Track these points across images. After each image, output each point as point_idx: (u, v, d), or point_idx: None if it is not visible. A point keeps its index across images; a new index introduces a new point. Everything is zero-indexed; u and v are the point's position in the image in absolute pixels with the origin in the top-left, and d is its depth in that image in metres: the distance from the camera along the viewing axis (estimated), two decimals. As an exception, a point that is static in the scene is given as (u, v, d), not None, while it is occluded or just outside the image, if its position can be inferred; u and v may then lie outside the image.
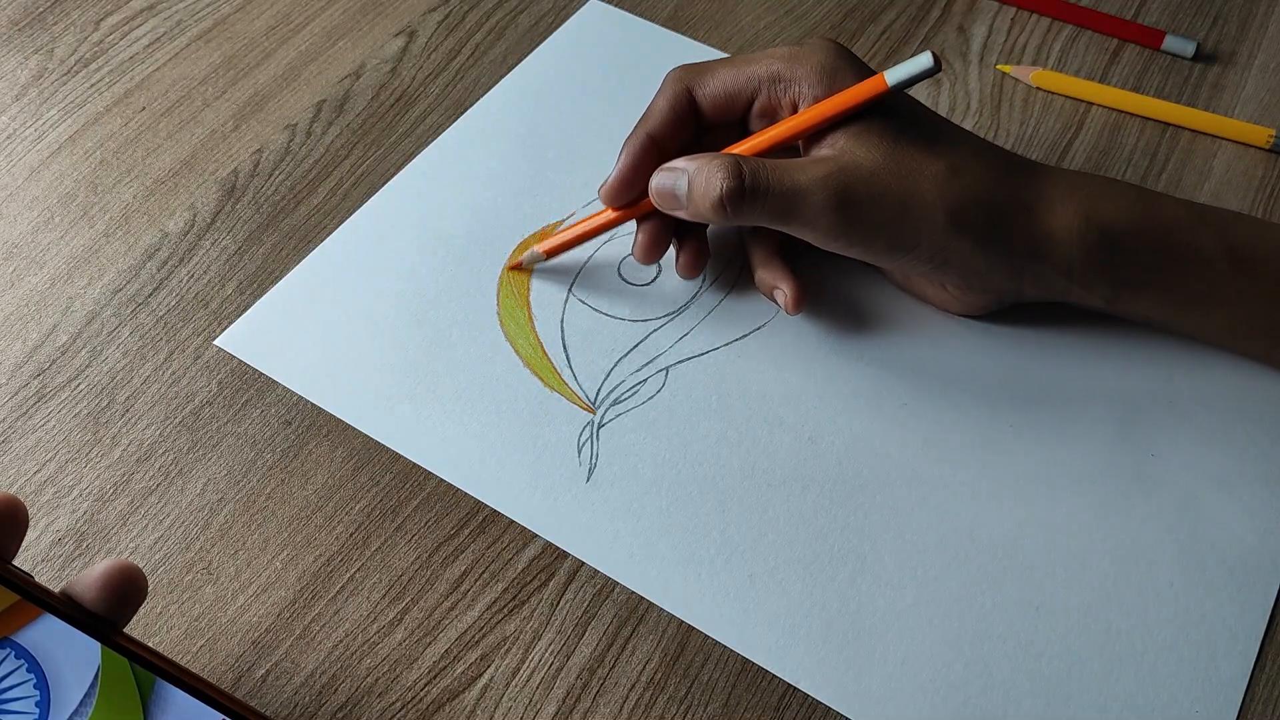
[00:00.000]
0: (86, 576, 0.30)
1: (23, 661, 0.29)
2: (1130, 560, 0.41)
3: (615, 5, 0.59)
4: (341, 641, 0.38)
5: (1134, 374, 0.45)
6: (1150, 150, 0.54)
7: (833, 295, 0.47)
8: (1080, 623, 0.39)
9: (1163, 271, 0.42)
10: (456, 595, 0.39)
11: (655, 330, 0.46)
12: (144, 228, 0.49)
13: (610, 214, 0.45)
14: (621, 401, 0.44)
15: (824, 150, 0.41)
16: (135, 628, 0.38)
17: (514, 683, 0.38)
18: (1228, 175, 0.53)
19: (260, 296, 0.47)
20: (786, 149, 0.43)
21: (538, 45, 0.57)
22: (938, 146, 0.41)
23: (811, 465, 0.43)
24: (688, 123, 0.44)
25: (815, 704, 0.37)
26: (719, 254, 0.48)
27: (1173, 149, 0.54)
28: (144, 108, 0.54)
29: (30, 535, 0.40)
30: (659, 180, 0.42)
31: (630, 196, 0.44)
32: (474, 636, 0.39)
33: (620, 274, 0.48)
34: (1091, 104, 0.55)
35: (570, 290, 0.47)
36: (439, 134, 0.53)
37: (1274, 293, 0.42)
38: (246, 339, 0.45)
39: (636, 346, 0.46)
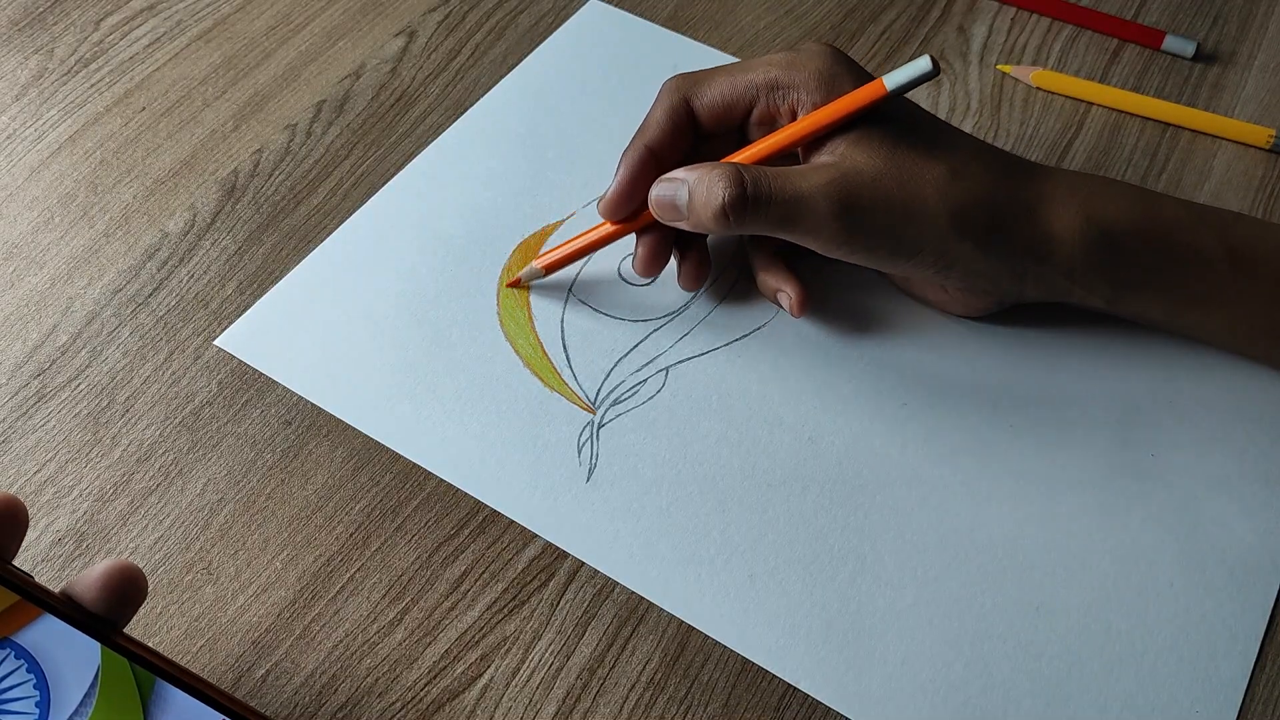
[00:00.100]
0: (86, 576, 0.30)
1: (23, 661, 0.29)
2: (1130, 560, 0.41)
3: (615, 5, 0.59)
4: (341, 641, 0.38)
5: (1134, 374, 0.45)
6: (1150, 150, 0.54)
7: (833, 296, 0.47)
8: (1080, 623, 0.39)
9: (1163, 272, 0.42)
10: (456, 595, 0.39)
11: (655, 330, 0.46)
12: (144, 228, 0.49)
13: (609, 228, 0.45)
14: (621, 401, 0.44)
15: (824, 157, 0.41)
16: (135, 628, 0.38)
17: (514, 683, 0.38)
18: (1228, 175, 0.53)
19: (260, 296, 0.47)
20: (786, 156, 0.43)
21: (538, 45, 0.57)
22: (938, 150, 0.41)
23: (811, 465, 0.43)
24: (686, 133, 0.44)
25: (815, 704, 0.37)
26: (719, 254, 0.48)
27: (1173, 149, 0.54)
28: (144, 108, 0.54)
29: (30, 535, 0.40)
30: (659, 191, 0.42)
31: (629, 210, 0.44)
32: (474, 636, 0.39)
33: (620, 274, 0.48)
34: (1091, 104, 0.55)
35: (570, 290, 0.47)
36: (439, 134, 0.53)
37: (1274, 293, 0.42)
38: (246, 339, 0.45)
39: (636, 346, 0.46)
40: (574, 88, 0.55)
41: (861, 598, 0.39)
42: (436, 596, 0.39)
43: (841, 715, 0.37)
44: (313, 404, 0.44)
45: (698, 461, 0.42)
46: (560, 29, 0.58)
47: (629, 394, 0.44)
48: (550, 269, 0.47)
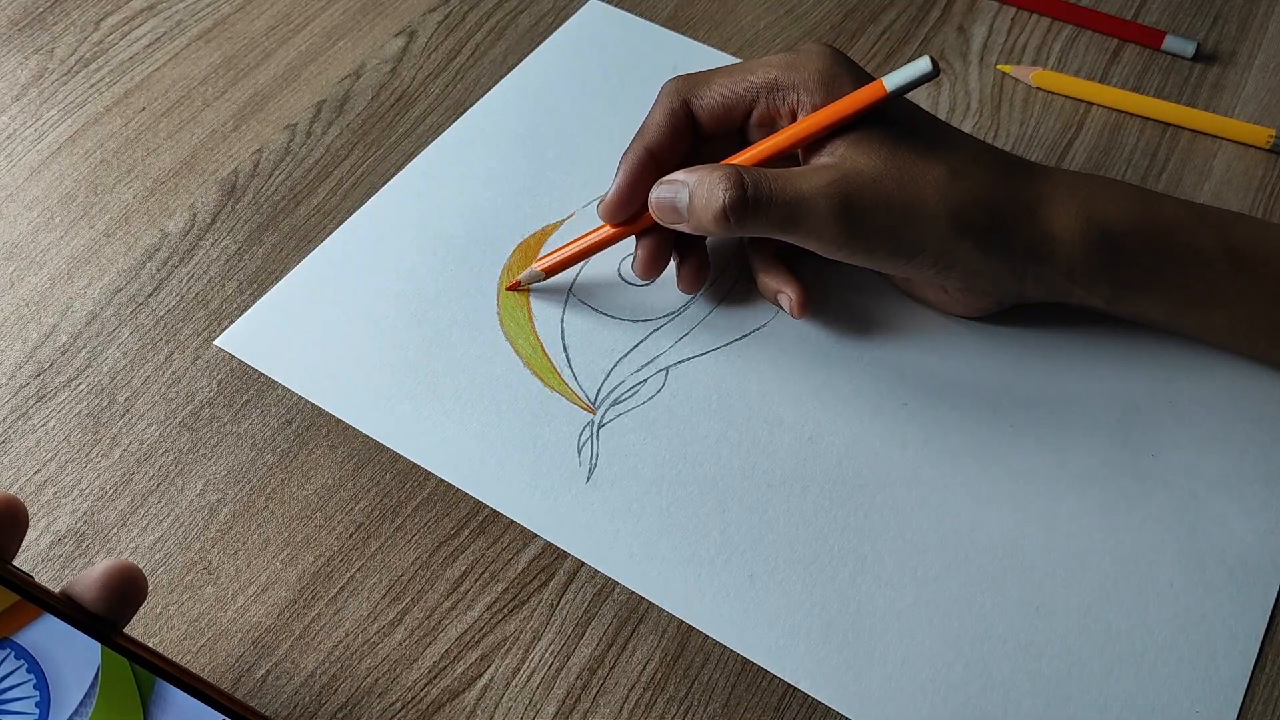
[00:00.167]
0: (86, 576, 0.30)
1: (23, 662, 0.29)
2: (1130, 560, 0.41)
3: (615, 5, 0.59)
4: (341, 641, 0.38)
5: (1134, 374, 0.45)
6: (1150, 150, 0.54)
7: (833, 296, 0.47)
8: (1080, 623, 0.39)
9: (1163, 272, 0.42)
10: (456, 595, 0.39)
11: (655, 330, 0.46)
12: (144, 228, 0.49)
13: (609, 230, 0.45)
14: (621, 401, 0.44)
15: (824, 158, 0.41)
16: (135, 628, 0.38)
17: (514, 683, 0.38)
18: (1228, 175, 0.53)
19: (260, 296, 0.47)
20: (786, 158, 0.43)
21: (538, 45, 0.57)
22: (937, 150, 0.41)
23: (811, 465, 0.43)
24: (685, 135, 0.44)
25: (815, 704, 0.37)
26: (719, 255, 0.48)
27: (1173, 149, 0.54)
28: (144, 108, 0.54)
29: (30, 535, 0.40)
30: (659, 194, 0.42)
31: (629, 212, 0.44)
32: (474, 636, 0.39)
33: (620, 274, 0.48)
34: (1091, 104, 0.55)
35: (570, 291, 0.47)
36: (439, 134, 0.53)
37: (1274, 293, 0.42)
38: (246, 339, 0.45)
39: (636, 346, 0.46)
40: (574, 88, 0.55)
41: (861, 598, 0.39)
42: (436, 596, 0.39)
43: (841, 715, 0.37)
44: (313, 404, 0.44)
45: (698, 461, 0.42)
46: (560, 29, 0.58)
47: (629, 394, 0.44)
48: (550, 272, 0.47)
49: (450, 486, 0.42)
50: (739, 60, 0.54)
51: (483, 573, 0.40)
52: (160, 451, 0.42)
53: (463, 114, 0.54)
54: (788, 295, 0.44)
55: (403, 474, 0.42)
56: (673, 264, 0.46)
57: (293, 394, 0.44)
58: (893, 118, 0.41)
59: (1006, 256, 0.41)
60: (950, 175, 0.40)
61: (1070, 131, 0.54)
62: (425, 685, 0.38)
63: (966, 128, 0.54)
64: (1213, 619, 0.39)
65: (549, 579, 0.40)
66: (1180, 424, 0.44)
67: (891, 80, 0.40)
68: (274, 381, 0.44)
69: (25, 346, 0.45)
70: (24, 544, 0.34)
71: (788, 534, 0.41)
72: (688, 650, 0.39)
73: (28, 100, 0.54)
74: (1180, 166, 0.53)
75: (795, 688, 0.38)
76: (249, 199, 0.50)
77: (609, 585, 0.40)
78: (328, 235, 0.49)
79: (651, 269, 0.45)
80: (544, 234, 0.49)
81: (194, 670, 0.34)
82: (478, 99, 0.54)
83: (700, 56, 0.56)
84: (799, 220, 0.40)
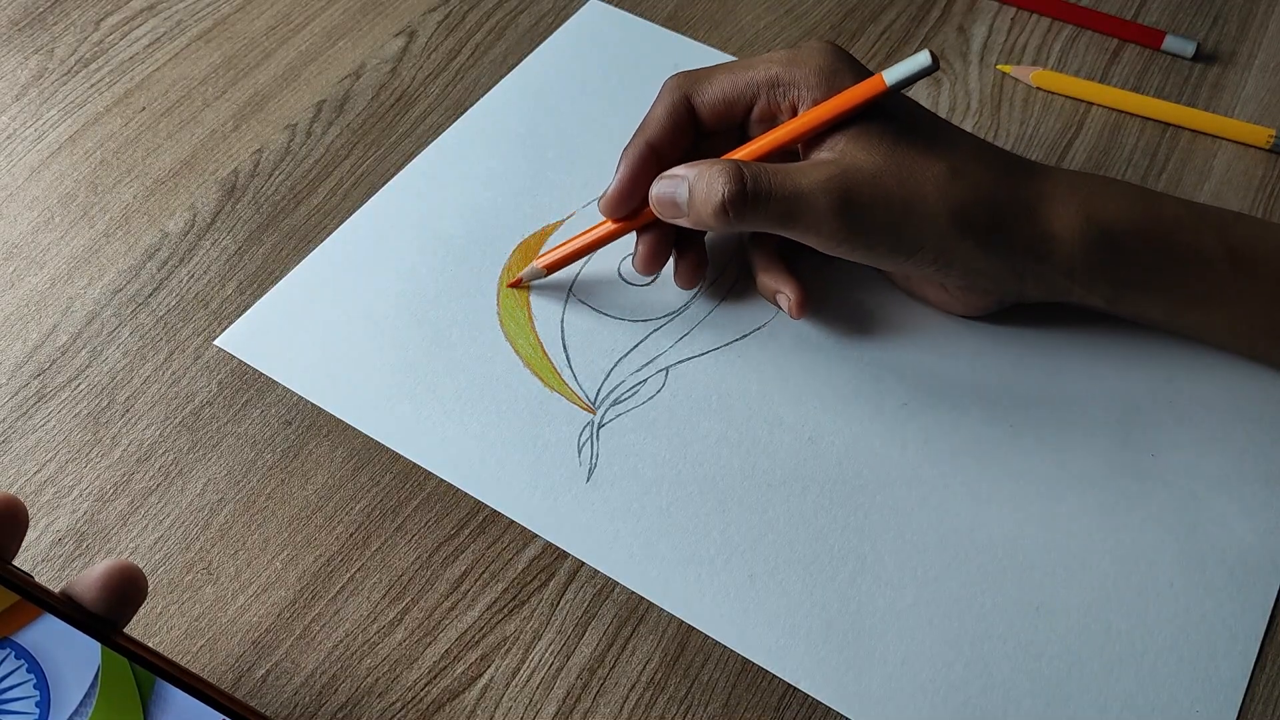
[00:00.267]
0: (86, 576, 0.30)
1: (23, 661, 0.29)
2: (1130, 560, 0.41)
3: (615, 5, 0.59)
4: (341, 641, 0.38)
5: (1134, 374, 0.45)
6: (1150, 150, 0.54)
7: (833, 296, 0.47)
8: (1080, 623, 0.39)
9: (1163, 272, 0.42)
10: (456, 595, 0.39)
11: (655, 330, 0.46)
12: (144, 228, 0.49)
13: (610, 226, 0.45)
14: (621, 401, 0.44)
15: (824, 154, 0.41)
16: (135, 628, 0.38)
17: (514, 683, 0.38)
18: (1228, 175, 0.53)
19: (260, 296, 0.47)
20: (786, 153, 0.43)
21: (538, 45, 0.57)
22: (938, 148, 0.41)
23: (811, 465, 0.43)
24: (686, 130, 0.44)
25: (815, 704, 0.37)
26: (719, 255, 0.48)
27: (1173, 149, 0.54)
28: (144, 108, 0.54)
29: (30, 535, 0.40)
30: (659, 189, 0.42)
31: (630, 207, 0.44)
32: (474, 636, 0.39)
33: (620, 274, 0.48)
34: (1091, 104, 0.55)
35: (570, 290, 0.47)
36: (439, 134, 0.53)
37: (1274, 293, 0.42)
38: (246, 339, 0.45)
39: (636, 346, 0.46)
40: (574, 88, 0.55)
41: (861, 598, 0.39)
42: (436, 596, 0.39)
43: (841, 715, 0.37)
44: (313, 404, 0.44)
45: (698, 461, 0.42)
46: (560, 29, 0.58)
47: (629, 394, 0.44)
48: (551, 268, 0.47)
49: (450, 486, 0.42)
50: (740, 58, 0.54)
51: (483, 573, 0.40)
52: (160, 451, 0.42)
53: (463, 114, 0.54)
54: (786, 295, 0.44)
55: (403, 474, 0.42)
56: (671, 260, 0.46)
57: (293, 394, 0.44)
58: (893, 114, 0.41)
59: (1006, 255, 0.41)
60: (950, 172, 0.40)
61: (1070, 131, 0.54)
62: (425, 685, 0.38)
63: (966, 128, 0.54)
64: (1213, 619, 0.39)
65: (549, 579, 0.40)
66: (1180, 424, 0.44)
67: (891, 74, 0.40)
68: (274, 381, 0.44)
69: (25, 346, 0.45)
70: (24, 544, 0.34)
71: (788, 534, 0.41)
72: (688, 650, 0.39)
73: (28, 100, 0.54)
74: (1180, 166, 0.53)
75: (795, 688, 0.38)
76: (249, 199, 0.50)
77: (609, 585, 0.40)
78: (328, 235, 0.49)
79: (652, 264, 0.45)
80: (544, 234, 0.49)
81: (194, 670, 0.34)
82: (478, 99, 0.54)
83: (700, 56, 0.56)
84: (798, 215, 0.40)
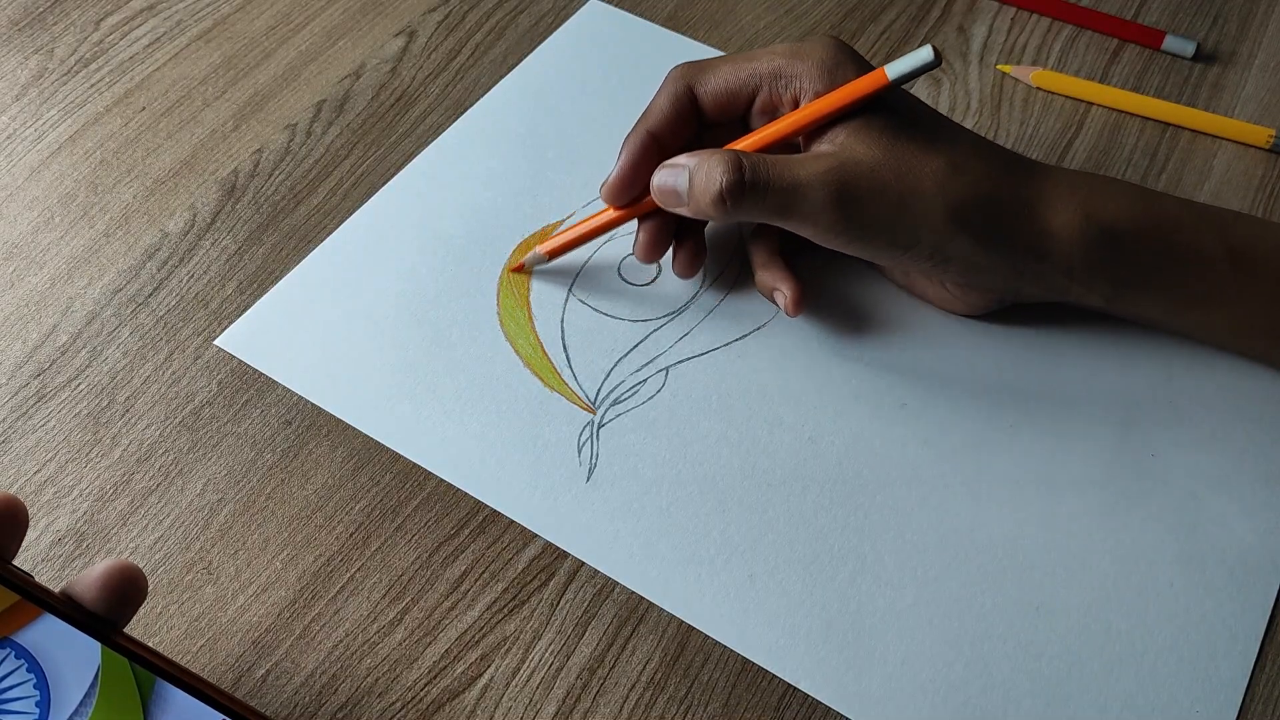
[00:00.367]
0: (86, 576, 0.30)
1: (23, 661, 0.29)
2: (1130, 560, 0.41)
3: (615, 5, 0.59)
4: (341, 641, 0.38)
5: (1134, 374, 0.45)
6: (1150, 150, 0.54)
7: (833, 295, 0.47)
8: (1080, 623, 0.39)
9: (1163, 271, 0.42)
10: (456, 595, 0.39)
11: (655, 330, 0.46)
12: (144, 228, 0.49)
13: (612, 213, 0.45)
14: (621, 401, 0.44)
15: (824, 146, 0.41)
16: (135, 628, 0.38)
17: (514, 683, 0.38)
18: (1228, 175, 0.53)
19: (260, 296, 0.47)
20: (788, 145, 0.43)
21: (538, 45, 0.57)
22: (938, 143, 0.41)
23: (811, 465, 0.43)
24: (689, 120, 0.44)
25: (815, 704, 0.37)
26: (719, 253, 0.48)
27: (1173, 149, 0.54)
28: (144, 108, 0.54)
29: (30, 535, 0.40)
30: (661, 177, 0.42)
31: (632, 195, 0.44)
32: (474, 636, 0.39)
33: (620, 274, 0.48)
34: (1091, 104, 0.55)
35: (570, 290, 0.47)
36: (439, 134, 0.53)
37: (1274, 293, 0.42)
38: (246, 339, 0.45)
39: (636, 346, 0.46)
40: (574, 88, 0.55)
41: (861, 598, 0.39)
42: (436, 596, 0.39)
43: (841, 715, 0.37)
44: (313, 404, 0.44)
45: (698, 461, 0.42)
46: (560, 29, 0.58)
47: (629, 394, 0.44)
48: (553, 254, 0.47)
49: (450, 486, 0.42)
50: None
51: (483, 573, 0.40)
52: (160, 451, 0.42)
53: (463, 114, 0.54)
54: (783, 292, 0.44)
55: (403, 474, 0.42)
56: (670, 249, 0.46)
57: (293, 394, 0.44)
58: (894, 109, 0.41)
59: (1005, 252, 0.41)
60: (950, 168, 0.40)
61: (1070, 131, 0.54)
62: (425, 685, 0.38)
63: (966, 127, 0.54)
64: (1213, 619, 0.39)
65: (549, 579, 0.40)
66: (1180, 424, 0.44)
67: (894, 69, 0.40)
68: (274, 381, 0.44)
69: (25, 346, 0.45)
70: (24, 544, 0.34)
71: (788, 534, 0.41)
72: (688, 650, 0.39)
73: (28, 100, 0.54)
74: (1180, 166, 0.53)
75: (795, 688, 0.38)
76: (249, 199, 0.50)
77: (609, 585, 0.40)
78: (328, 235, 0.49)
79: (652, 252, 0.45)
80: (544, 234, 0.49)
81: (194, 670, 0.34)
82: (478, 99, 0.54)
83: (700, 56, 0.56)
84: (795, 206, 0.40)
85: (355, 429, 0.43)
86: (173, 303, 0.47)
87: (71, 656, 0.29)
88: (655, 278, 0.48)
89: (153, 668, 0.29)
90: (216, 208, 0.50)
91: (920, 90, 0.55)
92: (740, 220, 0.43)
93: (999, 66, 0.57)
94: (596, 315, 0.47)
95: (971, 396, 0.44)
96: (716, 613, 0.39)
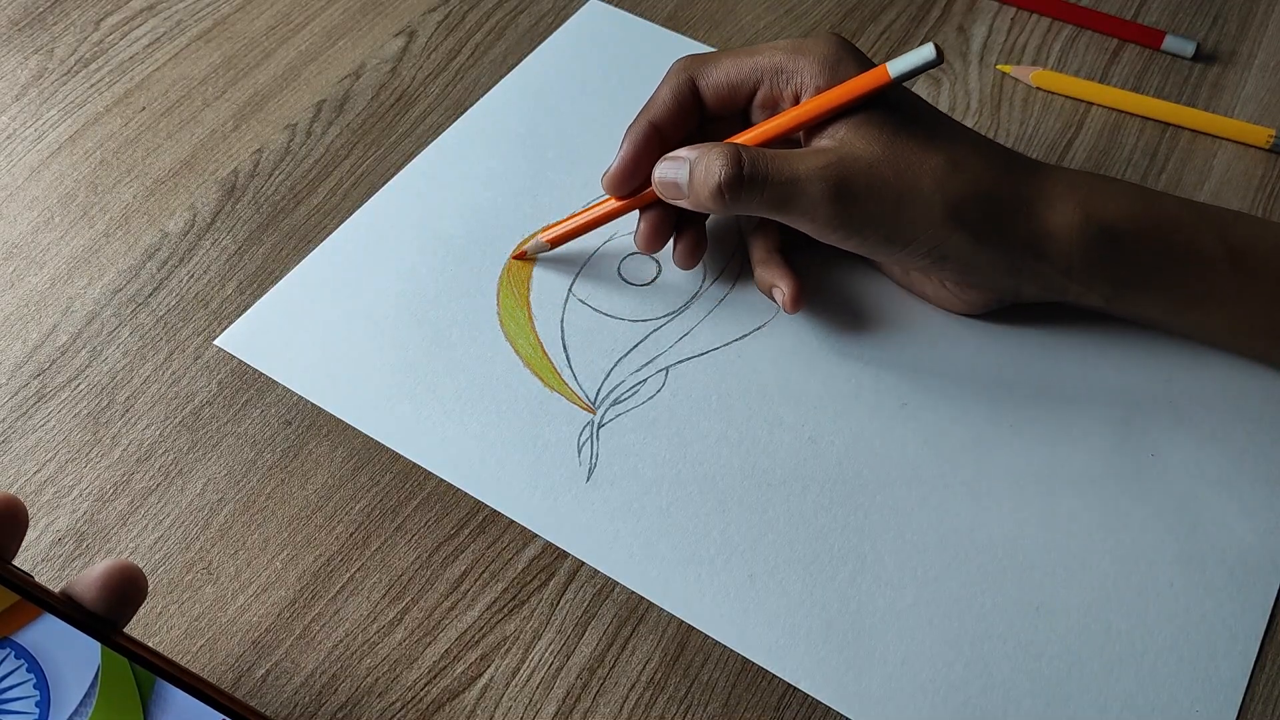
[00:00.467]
0: (86, 576, 0.30)
1: (23, 661, 0.29)
2: (1130, 560, 0.41)
3: (615, 5, 0.59)
4: (341, 641, 0.38)
5: (1134, 374, 0.45)
6: (1150, 150, 0.54)
7: (833, 294, 0.47)
8: (1080, 623, 0.39)
9: (1163, 271, 0.42)
10: (456, 595, 0.39)
11: (655, 330, 0.46)
12: (144, 228, 0.49)
13: (613, 204, 0.45)
14: (621, 401, 0.44)
15: (824, 141, 0.41)
16: (135, 628, 0.38)
17: (514, 683, 0.38)
18: (1228, 175, 0.53)
19: (260, 296, 0.47)
20: (789, 140, 0.43)
21: (538, 45, 0.57)
22: (938, 141, 0.41)
23: (811, 465, 0.43)
24: (691, 113, 0.44)
25: (815, 704, 0.37)
26: (719, 253, 0.48)
27: (1173, 149, 0.54)
28: (144, 108, 0.54)
29: (30, 535, 0.40)
30: (662, 170, 0.42)
31: (633, 185, 0.44)
32: (474, 636, 0.39)
33: (620, 274, 0.48)
34: (1091, 104, 0.55)
35: (570, 290, 0.47)
36: (439, 134, 0.53)
37: (1274, 292, 0.42)
38: (246, 339, 0.45)
39: (636, 346, 0.46)
40: (574, 88, 0.55)
41: (861, 598, 0.39)
42: (436, 596, 0.39)
43: (841, 715, 0.37)
44: (313, 404, 0.44)
45: (698, 461, 0.42)
46: (560, 29, 0.58)
47: (629, 394, 0.44)
48: (555, 243, 0.47)
49: (450, 486, 0.42)
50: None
51: (483, 572, 0.40)
52: (160, 451, 0.42)
53: (463, 114, 0.54)
54: (782, 289, 0.44)
55: (403, 474, 0.42)
56: (670, 247, 0.46)
57: (293, 394, 0.44)
58: (894, 106, 0.41)
59: (1003, 251, 0.41)
60: (949, 166, 0.40)
61: (1070, 131, 0.54)
62: (425, 685, 0.38)
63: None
64: (1213, 619, 0.39)
65: (549, 579, 0.40)
66: (1180, 424, 0.44)
67: (896, 66, 0.40)
68: (274, 381, 0.44)
69: (25, 346, 0.45)
70: (24, 544, 0.34)
71: (788, 534, 0.41)
72: (688, 650, 0.39)
73: (28, 100, 0.54)
74: (1180, 166, 0.53)
75: (795, 687, 0.38)
76: (249, 199, 0.50)
77: (609, 585, 0.40)
78: (328, 235, 0.49)
79: (653, 242, 0.45)
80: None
81: (194, 670, 0.33)
82: (478, 99, 0.54)
83: (700, 56, 0.56)
84: (793, 200, 0.40)
85: (355, 429, 0.43)
86: (173, 303, 0.47)
87: (71, 656, 0.29)
88: (655, 278, 0.48)
89: (153, 668, 0.29)
90: (216, 208, 0.50)
91: (920, 90, 0.55)
92: (740, 213, 0.43)
93: (999, 66, 0.57)
94: (596, 315, 0.47)
95: (972, 396, 0.44)
96: (716, 613, 0.39)
